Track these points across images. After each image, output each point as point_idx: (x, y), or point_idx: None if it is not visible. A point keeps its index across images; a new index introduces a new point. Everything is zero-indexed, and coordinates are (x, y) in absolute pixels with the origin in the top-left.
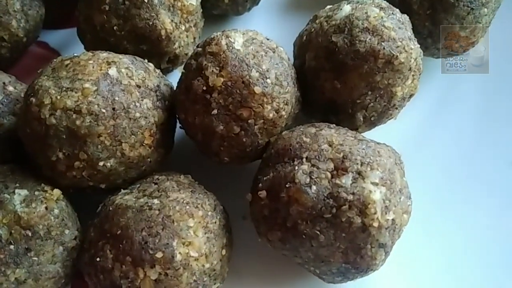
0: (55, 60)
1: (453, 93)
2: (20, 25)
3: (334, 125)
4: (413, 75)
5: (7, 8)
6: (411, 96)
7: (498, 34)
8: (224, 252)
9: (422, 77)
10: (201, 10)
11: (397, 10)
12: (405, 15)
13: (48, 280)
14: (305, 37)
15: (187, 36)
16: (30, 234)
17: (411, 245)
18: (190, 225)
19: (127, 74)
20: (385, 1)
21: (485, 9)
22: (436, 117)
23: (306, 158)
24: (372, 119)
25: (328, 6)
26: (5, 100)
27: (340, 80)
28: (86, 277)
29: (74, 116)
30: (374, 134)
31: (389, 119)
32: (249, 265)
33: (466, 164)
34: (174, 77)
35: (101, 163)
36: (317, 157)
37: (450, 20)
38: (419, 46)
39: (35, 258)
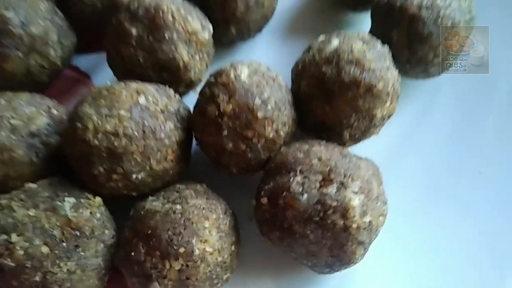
0: (93, 89)
1: (429, 111)
2: (58, 54)
3: (324, 141)
4: (391, 99)
5: (46, 40)
6: (390, 116)
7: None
8: (233, 248)
9: (402, 97)
10: (212, 40)
11: (379, 41)
12: (386, 46)
13: (92, 271)
14: (300, 65)
15: (200, 65)
16: (78, 234)
17: (387, 243)
18: (206, 226)
19: (153, 101)
20: (369, 34)
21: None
22: (414, 131)
23: (300, 171)
24: (356, 136)
25: (321, 37)
26: (52, 123)
27: (329, 105)
28: (123, 269)
29: (112, 138)
30: (360, 146)
31: (372, 135)
32: (254, 259)
33: (439, 172)
34: (189, 98)
35: (134, 176)
36: (308, 170)
37: (424, 49)
38: (397, 73)
39: (82, 253)
